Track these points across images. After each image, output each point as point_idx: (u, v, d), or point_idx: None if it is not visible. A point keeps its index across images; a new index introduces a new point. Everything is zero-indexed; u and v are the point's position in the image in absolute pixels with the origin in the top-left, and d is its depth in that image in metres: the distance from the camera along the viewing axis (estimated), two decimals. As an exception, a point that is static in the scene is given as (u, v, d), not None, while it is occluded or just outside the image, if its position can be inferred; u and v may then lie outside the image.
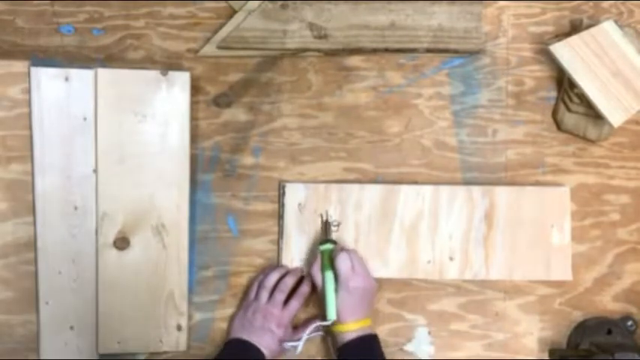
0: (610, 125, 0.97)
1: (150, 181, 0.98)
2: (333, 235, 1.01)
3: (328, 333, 1.00)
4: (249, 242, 1.03)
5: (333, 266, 0.95)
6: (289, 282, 0.99)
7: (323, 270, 0.96)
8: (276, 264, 1.02)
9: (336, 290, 0.94)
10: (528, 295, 1.04)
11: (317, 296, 0.99)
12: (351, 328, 0.93)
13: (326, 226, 1.01)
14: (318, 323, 0.96)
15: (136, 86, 0.98)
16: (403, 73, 1.06)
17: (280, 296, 0.98)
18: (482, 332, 1.03)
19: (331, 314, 0.94)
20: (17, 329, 0.96)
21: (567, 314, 1.05)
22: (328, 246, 0.98)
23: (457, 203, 1.03)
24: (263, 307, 0.97)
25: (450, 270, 1.02)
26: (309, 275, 1.00)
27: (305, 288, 1.00)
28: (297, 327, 1.00)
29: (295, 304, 0.99)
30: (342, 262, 0.94)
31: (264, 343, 0.95)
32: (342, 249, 0.97)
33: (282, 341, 0.96)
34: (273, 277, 1.00)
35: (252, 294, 0.99)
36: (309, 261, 1.01)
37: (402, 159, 1.05)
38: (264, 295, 0.98)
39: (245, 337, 0.95)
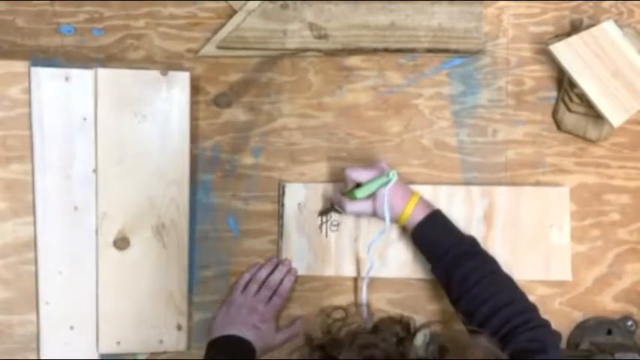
0: (610, 125, 0.97)
1: (150, 181, 0.98)
2: (332, 235, 1.01)
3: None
4: (249, 242, 1.03)
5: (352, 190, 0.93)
6: (277, 278, 1.00)
7: (350, 193, 0.93)
8: (259, 263, 1.02)
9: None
10: (528, 295, 1.03)
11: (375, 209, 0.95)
12: (410, 210, 0.93)
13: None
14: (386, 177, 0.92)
15: (136, 86, 0.98)
16: (403, 73, 1.06)
17: (266, 293, 0.98)
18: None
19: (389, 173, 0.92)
20: (17, 329, 0.96)
21: (567, 314, 1.05)
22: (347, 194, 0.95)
23: (456, 203, 1.02)
24: (248, 303, 0.97)
25: (449, 270, 1.02)
26: (292, 272, 1.01)
27: (288, 284, 1.00)
28: (280, 327, 1.00)
29: (278, 300, 0.99)
30: (354, 174, 0.92)
31: (250, 338, 0.93)
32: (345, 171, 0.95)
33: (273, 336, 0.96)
34: (264, 272, 1.00)
35: (239, 289, 0.99)
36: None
37: (402, 159, 1.05)
38: (253, 288, 0.98)
39: (230, 332, 0.93)
